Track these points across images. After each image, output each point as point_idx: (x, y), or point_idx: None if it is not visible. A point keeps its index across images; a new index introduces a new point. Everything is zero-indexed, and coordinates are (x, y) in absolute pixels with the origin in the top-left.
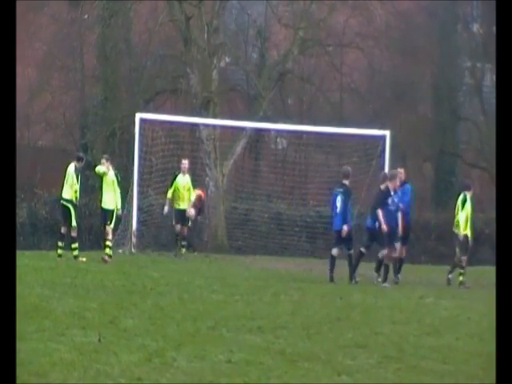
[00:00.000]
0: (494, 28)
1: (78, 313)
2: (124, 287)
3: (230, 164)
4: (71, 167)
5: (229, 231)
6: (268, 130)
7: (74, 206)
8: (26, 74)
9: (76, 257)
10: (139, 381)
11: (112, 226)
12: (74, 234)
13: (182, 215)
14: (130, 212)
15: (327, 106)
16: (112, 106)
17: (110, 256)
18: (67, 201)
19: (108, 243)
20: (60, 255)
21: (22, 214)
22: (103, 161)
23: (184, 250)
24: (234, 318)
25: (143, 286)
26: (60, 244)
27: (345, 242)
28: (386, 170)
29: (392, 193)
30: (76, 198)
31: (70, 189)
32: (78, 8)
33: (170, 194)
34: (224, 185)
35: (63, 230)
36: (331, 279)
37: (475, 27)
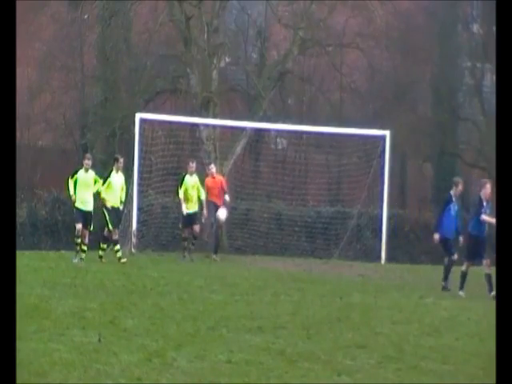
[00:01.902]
0: (494, 28)
1: (77, 313)
2: (124, 287)
3: (229, 164)
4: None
5: (229, 231)
6: (268, 130)
7: (107, 209)
8: (26, 74)
9: (101, 257)
10: (139, 381)
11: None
12: (106, 234)
13: (190, 217)
14: (129, 212)
15: (327, 106)
16: (112, 106)
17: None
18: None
19: (84, 247)
20: (101, 256)
21: (22, 214)
22: (86, 160)
23: (186, 253)
24: (233, 318)
25: (143, 286)
26: (103, 246)
27: (446, 248)
28: (386, 170)
29: (484, 203)
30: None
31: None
32: (78, 8)
33: (181, 195)
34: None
35: (105, 233)
36: (445, 288)
37: (475, 27)
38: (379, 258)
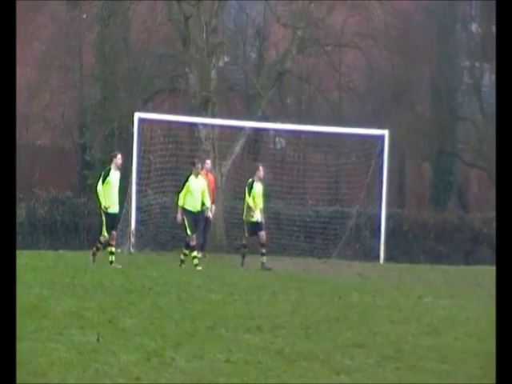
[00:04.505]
0: (493, 27)
1: (76, 312)
2: (123, 287)
3: (228, 164)
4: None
5: (227, 231)
6: (267, 130)
7: (186, 214)
8: (24, 74)
9: (196, 265)
10: (138, 380)
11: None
12: (192, 242)
13: (258, 225)
14: (128, 212)
15: (326, 106)
16: (111, 106)
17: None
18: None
19: (113, 249)
20: (183, 261)
21: (20, 213)
22: (119, 160)
23: (265, 258)
24: (232, 317)
25: (142, 286)
26: (184, 251)
27: None
28: (385, 169)
29: None
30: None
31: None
32: (77, 7)
33: (251, 202)
34: (223, 184)
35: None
36: None
37: (474, 27)
38: (378, 257)
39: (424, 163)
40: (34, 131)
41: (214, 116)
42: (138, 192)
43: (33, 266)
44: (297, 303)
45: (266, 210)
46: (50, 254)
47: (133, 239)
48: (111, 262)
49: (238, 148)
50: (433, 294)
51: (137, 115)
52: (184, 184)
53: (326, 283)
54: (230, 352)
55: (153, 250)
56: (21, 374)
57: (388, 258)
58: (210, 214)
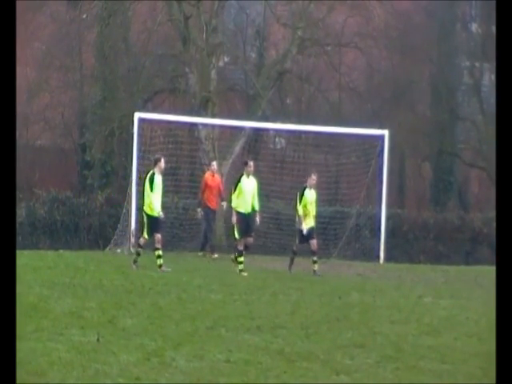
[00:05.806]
0: (493, 28)
1: (76, 312)
2: (123, 287)
3: (228, 164)
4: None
5: (227, 231)
6: (267, 130)
7: (236, 218)
8: (24, 74)
9: (241, 271)
10: (138, 380)
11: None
12: (240, 247)
13: (308, 233)
14: (128, 212)
15: (326, 106)
16: (111, 106)
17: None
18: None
19: (160, 252)
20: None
21: (20, 213)
22: (163, 164)
23: (317, 265)
24: (232, 317)
25: (142, 286)
26: (239, 259)
27: None
28: (385, 169)
29: None
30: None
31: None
32: (77, 7)
33: (301, 211)
34: (223, 185)
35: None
36: None
37: (474, 27)
38: (378, 257)
39: (424, 163)
40: (34, 131)
41: (213, 116)
42: (138, 192)
43: (33, 266)
44: (297, 303)
45: (265, 210)
46: (50, 254)
47: (133, 239)
48: (160, 266)
49: (238, 148)
50: (433, 294)
51: (137, 115)
52: (236, 185)
53: (326, 283)
54: (230, 352)
55: (153, 250)
56: (21, 373)
57: (388, 258)
58: (258, 220)
